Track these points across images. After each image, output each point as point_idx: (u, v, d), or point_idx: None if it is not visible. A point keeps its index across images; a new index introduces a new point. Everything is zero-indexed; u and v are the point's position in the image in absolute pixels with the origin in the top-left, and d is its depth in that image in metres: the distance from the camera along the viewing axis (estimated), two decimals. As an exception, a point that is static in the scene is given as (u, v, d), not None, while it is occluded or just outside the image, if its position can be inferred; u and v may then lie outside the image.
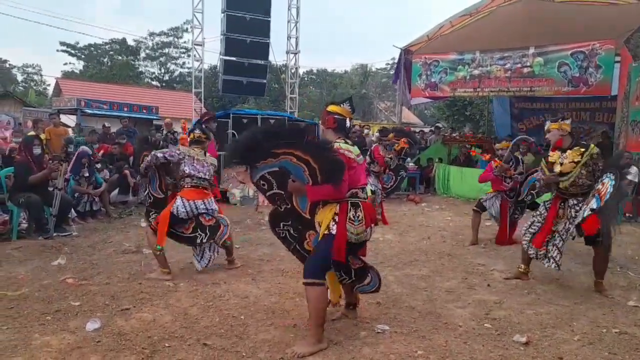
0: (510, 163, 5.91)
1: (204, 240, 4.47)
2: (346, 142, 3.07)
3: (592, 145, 4.16)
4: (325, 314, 3.04)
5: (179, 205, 4.34)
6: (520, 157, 6.19)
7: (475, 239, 6.08)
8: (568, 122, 4.28)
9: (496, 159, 6.00)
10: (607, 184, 3.73)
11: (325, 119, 3.17)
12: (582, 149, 4.11)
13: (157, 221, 4.37)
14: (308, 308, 3.00)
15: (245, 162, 3.02)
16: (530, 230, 4.45)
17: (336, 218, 2.96)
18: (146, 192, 4.64)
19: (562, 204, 4.26)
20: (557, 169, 4.18)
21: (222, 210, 4.83)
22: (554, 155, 4.26)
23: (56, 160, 6.01)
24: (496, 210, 5.96)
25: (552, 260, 4.19)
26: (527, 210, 6.01)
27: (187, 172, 4.41)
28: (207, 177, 4.52)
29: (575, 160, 4.10)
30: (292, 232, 3.28)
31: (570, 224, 4.14)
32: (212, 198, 4.59)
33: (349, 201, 2.98)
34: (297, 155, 2.82)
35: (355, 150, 3.08)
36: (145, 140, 4.88)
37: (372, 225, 3.13)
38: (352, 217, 2.97)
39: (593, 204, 3.75)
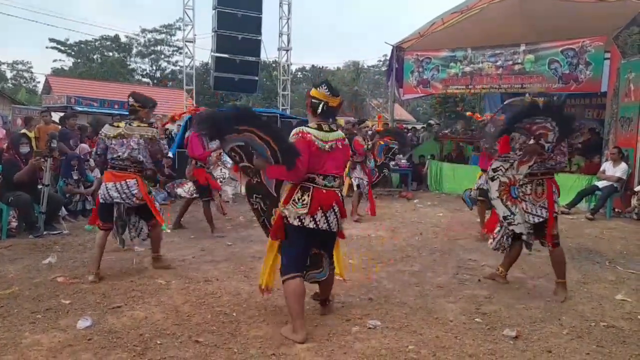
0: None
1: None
2: (320, 127, 3.08)
3: None
4: (301, 306, 3.07)
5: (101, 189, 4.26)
6: None
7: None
8: None
9: None
10: None
11: (305, 103, 3.24)
12: None
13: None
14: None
15: (211, 133, 3.02)
16: None
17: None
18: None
19: None
20: None
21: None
22: None
23: (39, 157, 5.92)
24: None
25: None
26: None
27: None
28: (124, 156, 4.16)
29: None
30: (262, 205, 3.35)
31: None
32: (133, 180, 4.17)
33: (300, 185, 3.07)
34: (259, 134, 2.89)
35: (328, 136, 3.08)
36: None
37: (338, 217, 3.13)
38: (296, 199, 3.05)
39: None
